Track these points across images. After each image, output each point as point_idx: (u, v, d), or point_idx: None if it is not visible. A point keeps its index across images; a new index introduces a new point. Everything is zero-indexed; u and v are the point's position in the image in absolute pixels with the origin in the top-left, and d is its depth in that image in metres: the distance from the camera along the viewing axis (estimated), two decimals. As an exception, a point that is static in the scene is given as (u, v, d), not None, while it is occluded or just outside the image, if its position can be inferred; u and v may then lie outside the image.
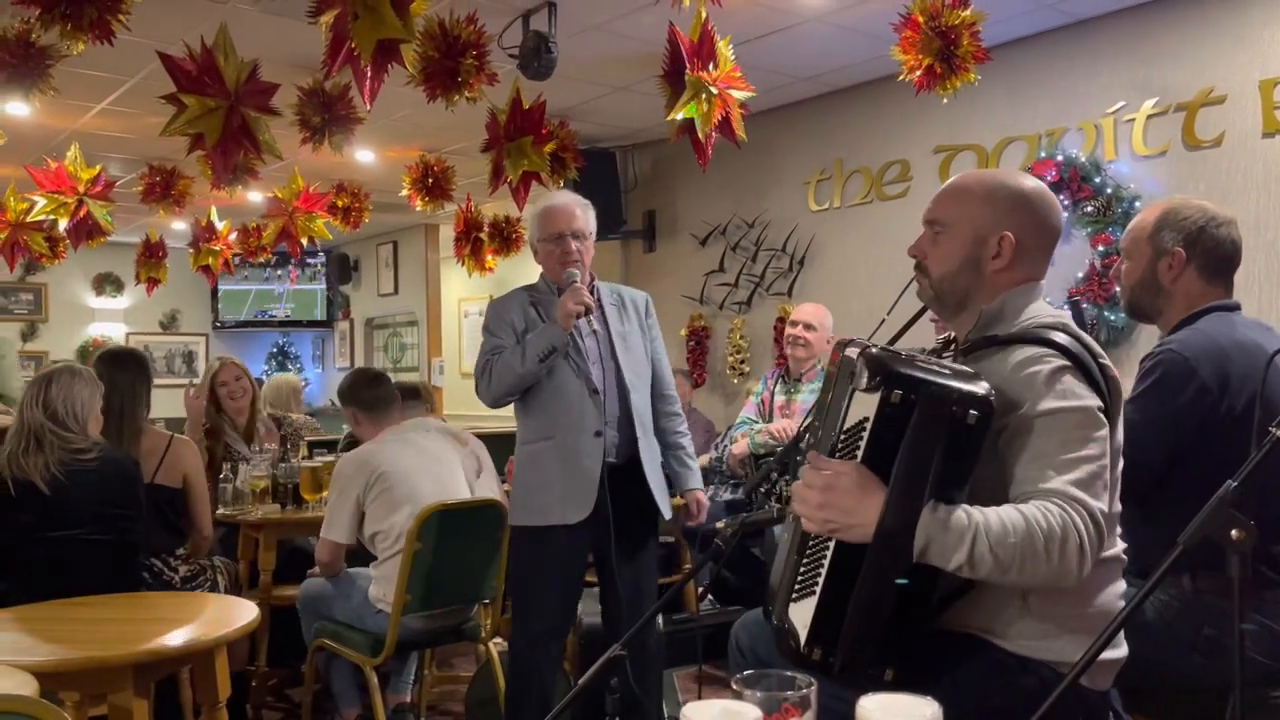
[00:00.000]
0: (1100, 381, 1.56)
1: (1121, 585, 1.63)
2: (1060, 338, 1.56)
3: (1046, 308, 1.68)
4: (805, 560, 1.53)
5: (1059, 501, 1.43)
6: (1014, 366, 1.54)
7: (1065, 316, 1.67)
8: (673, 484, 3.12)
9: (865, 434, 1.46)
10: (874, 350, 1.47)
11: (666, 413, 3.09)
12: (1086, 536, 1.42)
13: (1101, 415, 1.52)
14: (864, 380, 1.44)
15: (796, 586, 1.54)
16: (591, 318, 2.84)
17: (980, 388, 1.43)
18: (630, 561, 2.90)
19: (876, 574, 1.43)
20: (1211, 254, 2.18)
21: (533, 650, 2.87)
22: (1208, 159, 4.09)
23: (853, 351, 1.54)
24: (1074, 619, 1.53)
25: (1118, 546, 1.63)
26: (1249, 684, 1.95)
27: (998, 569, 1.39)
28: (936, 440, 1.40)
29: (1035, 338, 1.57)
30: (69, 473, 2.95)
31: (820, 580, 1.49)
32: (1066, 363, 1.53)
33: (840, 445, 1.50)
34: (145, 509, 3.19)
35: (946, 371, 1.46)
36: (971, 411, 1.40)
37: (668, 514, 2.98)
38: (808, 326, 4.41)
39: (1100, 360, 1.59)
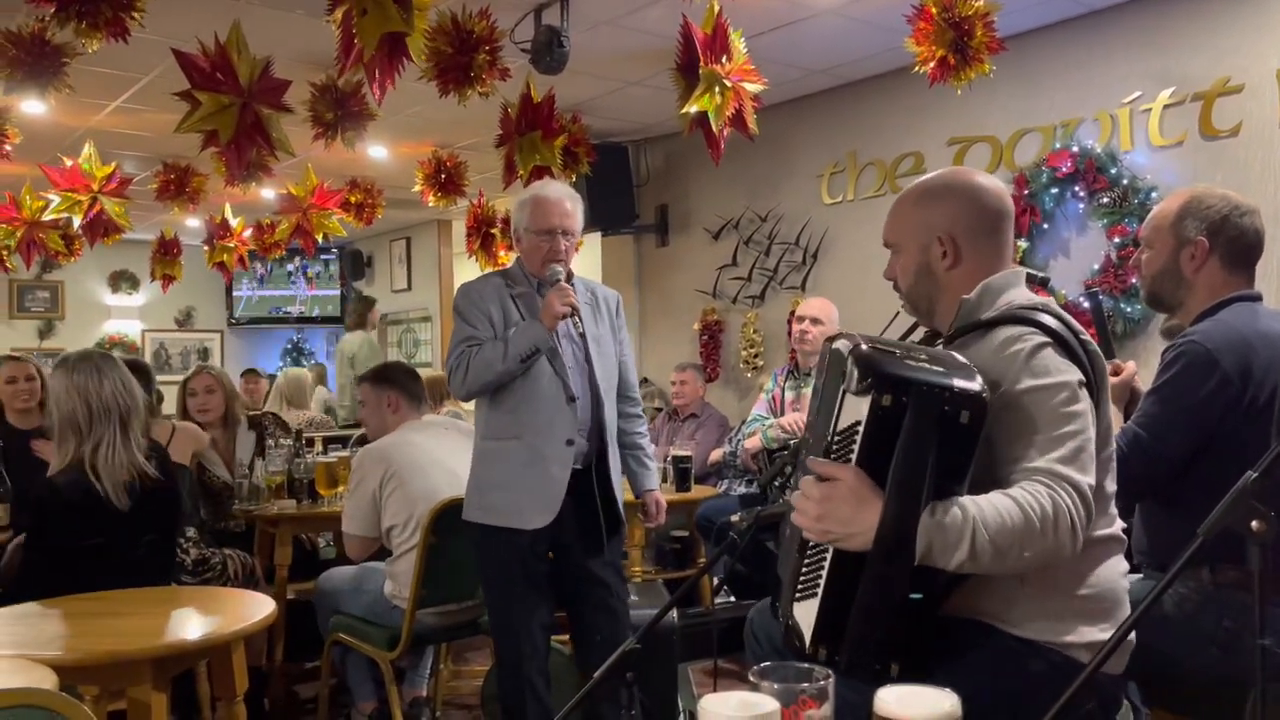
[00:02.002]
0: (1082, 357, 1.57)
1: (1123, 565, 1.64)
2: (1041, 317, 1.58)
3: (1026, 293, 1.68)
4: (806, 561, 1.53)
5: (1045, 480, 1.44)
6: (996, 347, 1.56)
7: (1050, 302, 1.68)
8: (630, 483, 3.07)
9: (858, 438, 1.43)
10: (864, 347, 1.44)
11: (628, 414, 3.03)
12: (1075, 513, 1.43)
13: (1083, 389, 1.53)
14: (854, 382, 1.41)
15: (799, 587, 1.54)
16: (578, 319, 2.76)
17: (973, 383, 1.42)
18: (597, 559, 2.83)
19: (878, 580, 1.42)
20: (1235, 244, 2.15)
21: (513, 644, 2.78)
22: (1225, 149, 4.05)
23: (842, 345, 1.53)
24: (1075, 599, 1.55)
25: (1115, 526, 1.64)
26: (1268, 678, 1.93)
27: (998, 558, 1.40)
28: (930, 442, 1.39)
29: (1016, 318, 1.59)
30: (133, 490, 2.88)
31: (821, 584, 1.48)
32: (1046, 339, 1.54)
33: (835, 447, 1.48)
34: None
35: (939, 368, 1.43)
36: (964, 411, 1.39)
37: (624, 521, 2.93)
38: (814, 321, 4.41)
39: (1080, 336, 1.60)
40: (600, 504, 2.80)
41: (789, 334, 5.74)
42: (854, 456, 1.44)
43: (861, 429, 1.42)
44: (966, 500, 1.42)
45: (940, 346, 1.68)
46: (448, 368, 2.82)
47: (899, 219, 1.79)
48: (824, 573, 1.48)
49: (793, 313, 5.70)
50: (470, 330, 2.79)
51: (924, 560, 1.40)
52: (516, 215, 2.88)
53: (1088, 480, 1.47)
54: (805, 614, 1.51)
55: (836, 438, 1.48)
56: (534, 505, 2.73)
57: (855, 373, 1.41)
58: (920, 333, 1.83)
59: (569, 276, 2.86)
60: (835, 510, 1.42)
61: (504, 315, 2.80)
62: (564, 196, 2.84)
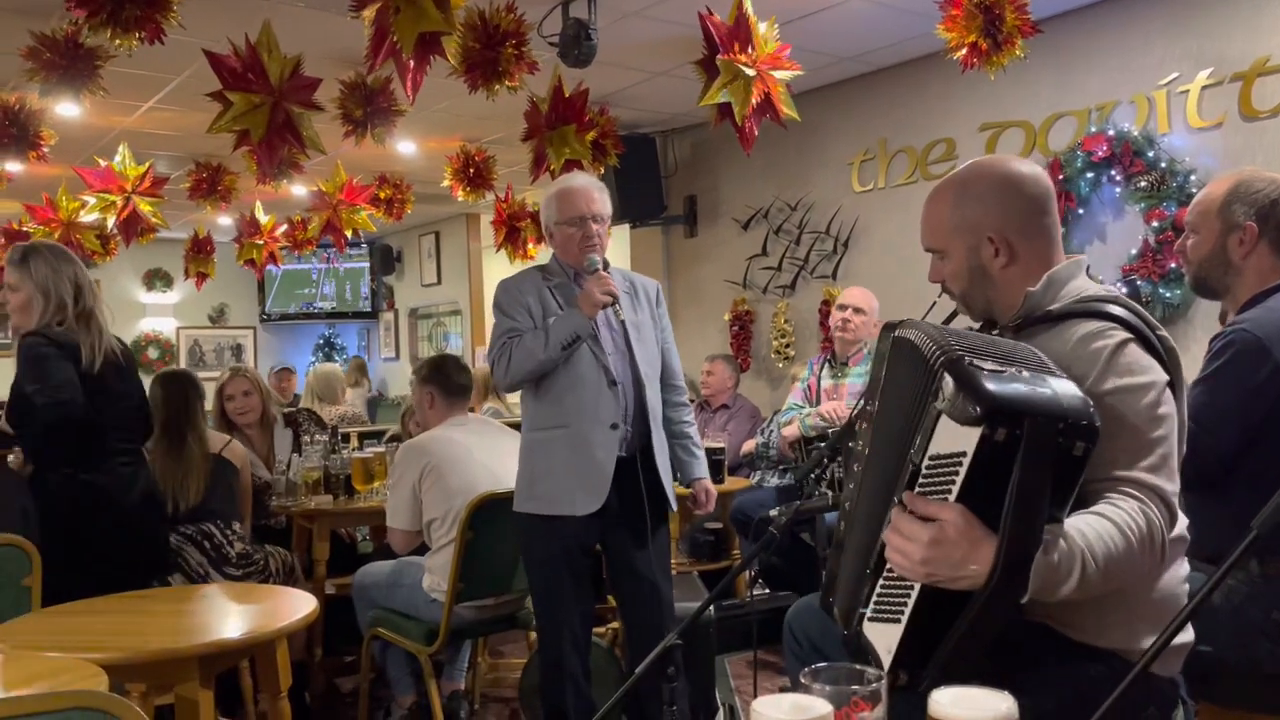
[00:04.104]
0: (1161, 353, 1.52)
1: (1185, 567, 1.59)
2: (1116, 309, 1.53)
3: (1091, 283, 1.63)
4: (884, 583, 1.44)
5: (1134, 491, 1.40)
6: (1075, 343, 1.50)
7: (1114, 290, 1.63)
8: (679, 473, 3.07)
9: (961, 471, 1.31)
10: (963, 362, 1.30)
11: (674, 402, 3.04)
12: (1162, 525, 1.40)
13: (1168, 390, 1.48)
14: (957, 407, 1.28)
15: (874, 608, 1.45)
16: (618, 307, 2.78)
17: (1079, 403, 1.29)
18: (644, 551, 2.84)
19: (978, 618, 1.33)
20: None
21: (556, 637, 2.81)
22: (1265, 130, 3.98)
23: (913, 335, 1.45)
24: (1138, 604, 1.49)
25: (1182, 525, 1.58)
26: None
27: (1102, 584, 1.36)
28: (1046, 478, 1.28)
29: (1092, 311, 1.52)
30: None
31: (906, 613, 1.38)
32: (1129, 335, 1.49)
33: (928, 475, 1.36)
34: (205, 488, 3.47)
35: (1044, 389, 1.29)
36: (1079, 443, 1.28)
37: (674, 506, 2.94)
38: (856, 310, 4.35)
39: (1158, 332, 1.55)
40: (646, 493, 2.81)
41: (821, 323, 5.73)
42: (954, 490, 1.32)
43: (967, 463, 1.29)
44: (1072, 530, 1.34)
45: (999, 333, 1.63)
46: (489, 360, 2.86)
47: (938, 222, 1.69)
48: (910, 601, 1.38)
49: (825, 301, 5.68)
50: (511, 323, 2.83)
51: (1033, 598, 1.32)
52: (545, 212, 2.92)
53: (1173, 488, 1.43)
54: (882, 637, 1.43)
55: (930, 464, 1.35)
56: (581, 490, 2.75)
57: (960, 398, 1.27)
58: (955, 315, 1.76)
59: (606, 266, 2.87)
60: (945, 554, 1.30)
61: (542, 306, 2.83)
62: (589, 185, 2.89)
